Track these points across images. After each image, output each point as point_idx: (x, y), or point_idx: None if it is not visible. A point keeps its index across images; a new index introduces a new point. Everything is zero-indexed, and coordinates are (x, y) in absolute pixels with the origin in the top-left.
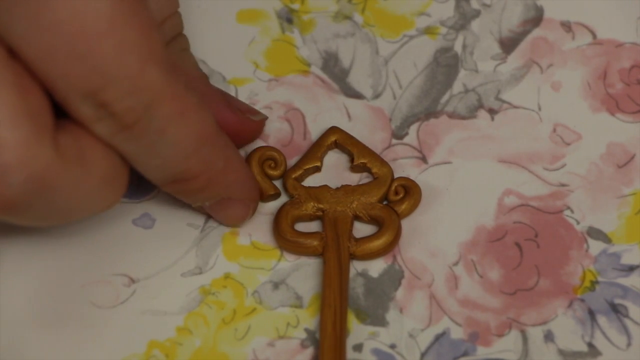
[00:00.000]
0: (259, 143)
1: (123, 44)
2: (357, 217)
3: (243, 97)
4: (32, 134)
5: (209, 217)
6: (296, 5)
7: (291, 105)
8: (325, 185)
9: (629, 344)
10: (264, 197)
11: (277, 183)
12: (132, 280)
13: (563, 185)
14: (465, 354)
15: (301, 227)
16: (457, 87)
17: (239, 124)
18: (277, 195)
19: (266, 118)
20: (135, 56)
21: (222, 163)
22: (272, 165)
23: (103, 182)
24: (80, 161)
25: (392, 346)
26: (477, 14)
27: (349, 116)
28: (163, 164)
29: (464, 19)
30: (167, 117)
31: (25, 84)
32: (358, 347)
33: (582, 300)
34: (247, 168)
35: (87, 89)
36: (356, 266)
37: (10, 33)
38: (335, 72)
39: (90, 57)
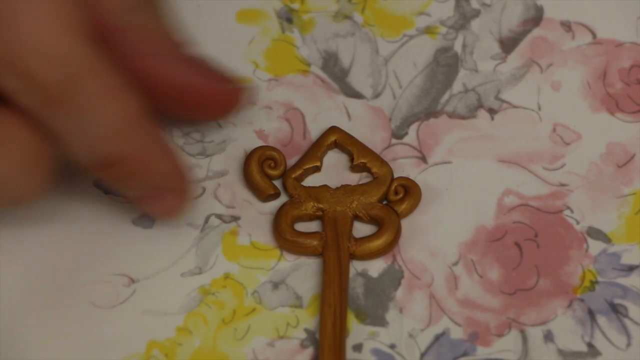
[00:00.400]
0: (258, 143)
1: (43, 14)
2: (357, 217)
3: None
4: None
5: (206, 218)
6: (296, 5)
7: (291, 105)
8: (325, 185)
9: (628, 344)
10: (264, 197)
11: (277, 183)
12: (132, 280)
13: (563, 185)
14: (465, 354)
15: (301, 227)
16: (457, 86)
17: (214, 90)
18: (276, 195)
19: (245, 88)
20: (56, 26)
21: (150, 149)
22: (272, 165)
23: (22, 167)
24: None
25: (392, 346)
26: (477, 13)
27: (348, 116)
28: (89, 143)
29: (464, 18)
30: (91, 93)
31: None
32: (358, 347)
33: (582, 300)
34: (177, 158)
35: (8, 58)
36: (356, 266)
37: None
38: (335, 72)
39: (10, 27)
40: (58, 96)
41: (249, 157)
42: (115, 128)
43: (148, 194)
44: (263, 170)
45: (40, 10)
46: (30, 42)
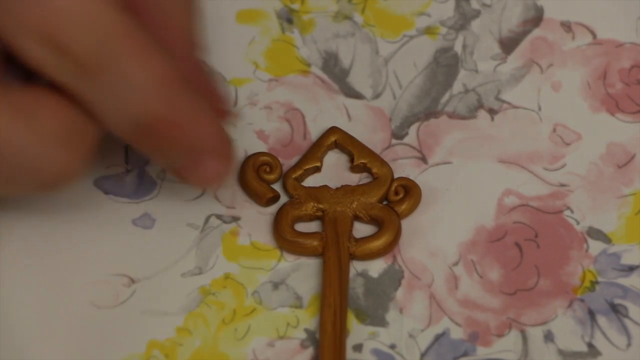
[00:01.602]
0: (257, 148)
1: None
2: (357, 217)
3: (243, 97)
4: None
5: (206, 219)
6: (296, 5)
7: (291, 105)
8: (325, 186)
9: (628, 344)
10: (264, 202)
11: (276, 186)
12: (132, 280)
13: (563, 185)
14: (465, 354)
15: (301, 227)
16: (457, 87)
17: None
18: (276, 198)
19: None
20: None
21: (189, 112)
22: (268, 170)
23: (58, 141)
24: (28, 116)
25: (392, 346)
26: (477, 14)
27: (349, 116)
28: (124, 106)
29: (464, 19)
30: (123, 55)
31: None
32: (358, 347)
33: (582, 301)
34: (219, 123)
35: (42, 31)
36: (356, 266)
37: None
38: (335, 72)
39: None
40: (90, 63)
41: (244, 165)
42: (149, 89)
43: (189, 162)
44: (259, 176)
45: None
46: (61, 11)
